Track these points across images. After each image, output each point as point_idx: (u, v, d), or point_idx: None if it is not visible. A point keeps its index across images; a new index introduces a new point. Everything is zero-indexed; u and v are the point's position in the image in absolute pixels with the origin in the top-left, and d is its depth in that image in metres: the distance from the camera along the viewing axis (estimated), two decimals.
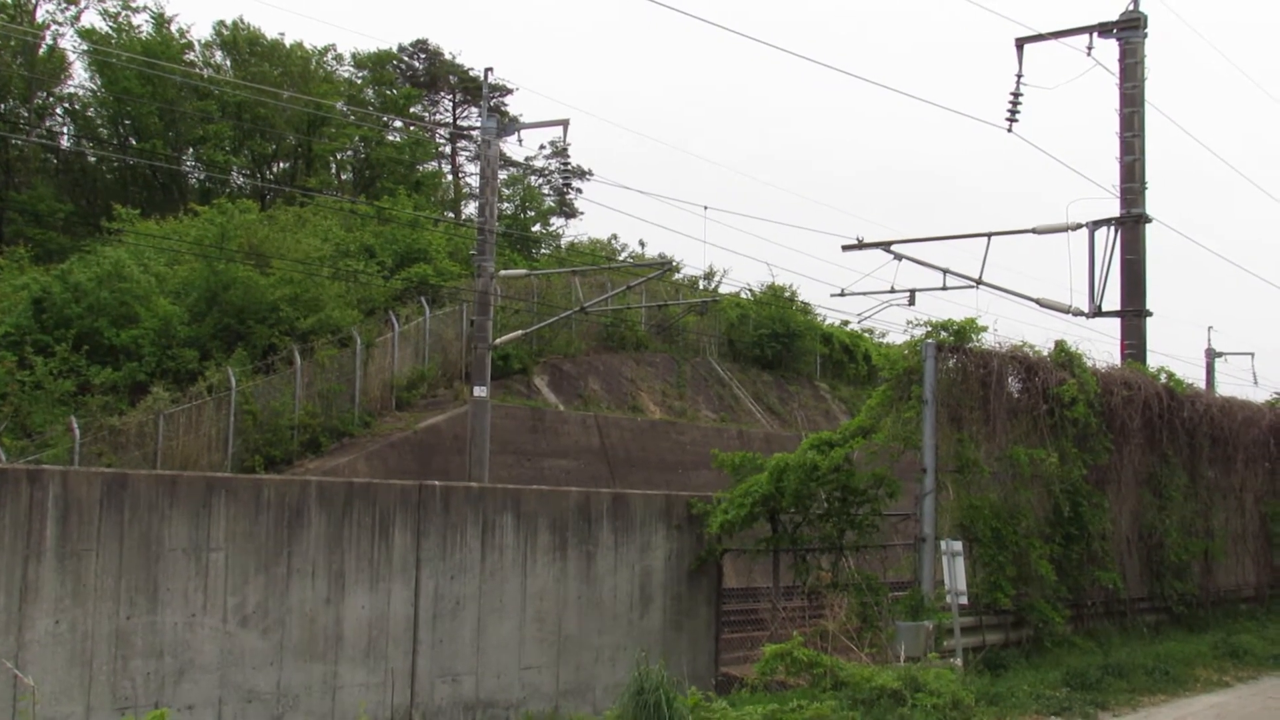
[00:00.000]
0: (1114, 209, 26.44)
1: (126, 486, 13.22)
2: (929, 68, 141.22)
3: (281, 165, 52.41)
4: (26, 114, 45.31)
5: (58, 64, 46.02)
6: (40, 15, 46.30)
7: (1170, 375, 23.46)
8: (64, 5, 46.48)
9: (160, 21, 48.55)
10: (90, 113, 47.68)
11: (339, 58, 56.17)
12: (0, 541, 12.21)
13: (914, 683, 14.25)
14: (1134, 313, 25.93)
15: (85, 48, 45.69)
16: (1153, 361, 25.64)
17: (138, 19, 48.56)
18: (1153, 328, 26.31)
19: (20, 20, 43.97)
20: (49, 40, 45.73)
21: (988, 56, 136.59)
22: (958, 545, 16.80)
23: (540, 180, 63.58)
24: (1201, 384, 41.24)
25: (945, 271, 28.58)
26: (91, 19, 47.69)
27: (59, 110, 47.84)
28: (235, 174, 48.09)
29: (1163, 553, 22.62)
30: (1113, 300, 26.36)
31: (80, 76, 47.46)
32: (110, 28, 47.42)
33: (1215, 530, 24.53)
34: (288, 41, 51.89)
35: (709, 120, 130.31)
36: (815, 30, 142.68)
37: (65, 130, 48.41)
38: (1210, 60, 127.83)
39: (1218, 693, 17.77)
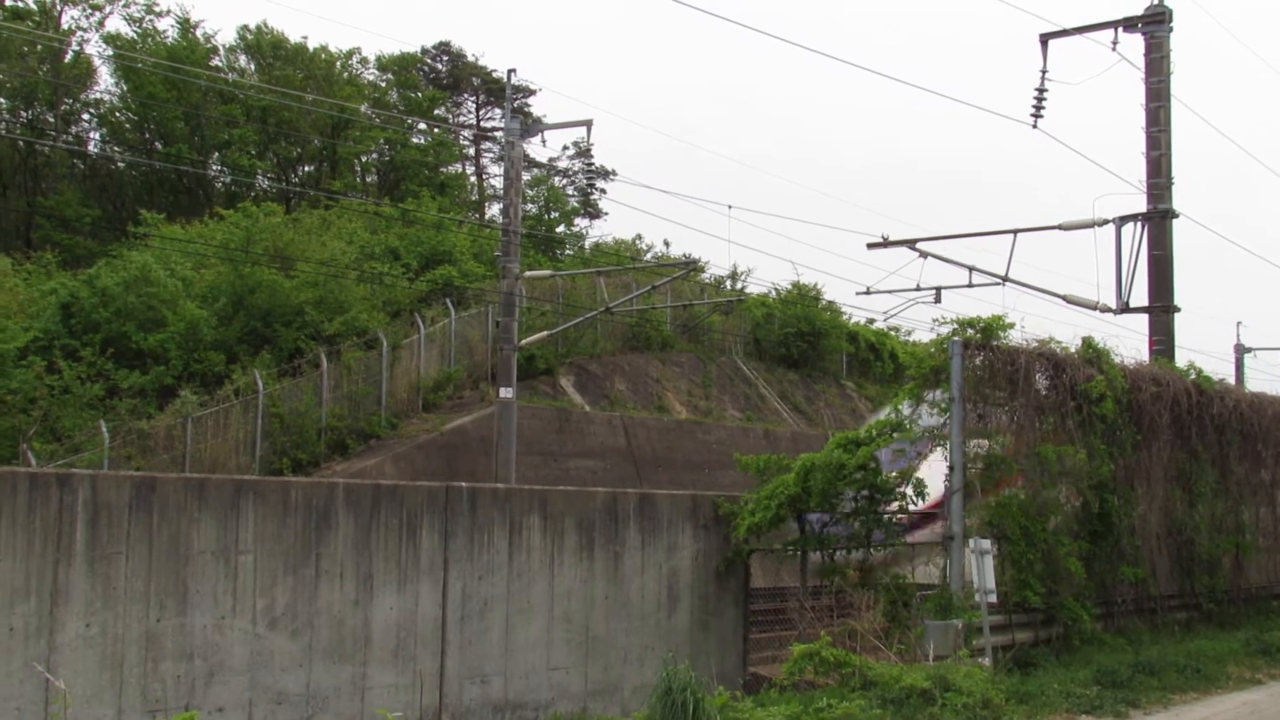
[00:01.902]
0: (1140, 204, 26.33)
1: (155, 490, 13.29)
2: (953, 64, 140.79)
3: (306, 168, 52.58)
4: (53, 119, 45.56)
5: (83, 70, 46.29)
6: (65, 21, 46.61)
7: (1199, 371, 23.33)
8: (88, 11, 46.76)
9: (185, 26, 48.78)
10: (116, 117, 47.93)
11: (363, 61, 56.29)
12: (31, 545, 12.28)
13: (943, 682, 14.21)
14: (1161, 309, 25.80)
15: (110, 53, 45.94)
16: (1181, 357, 25.50)
17: (162, 24, 48.83)
18: (1181, 324, 26.19)
19: (46, 27, 44.25)
20: (74, 46, 46.02)
21: (1012, 52, 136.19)
22: (986, 543, 16.76)
23: (564, 181, 63.68)
24: (1230, 379, 40.95)
25: (971, 269, 28.48)
26: (116, 24, 47.93)
27: (85, 116, 48.13)
28: (260, 177, 48.29)
29: (1193, 549, 22.49)
30: (1140, 296, 26.25)
31: (106, 82, 47.76)
32: (135, 33, 47.66)
33: (1246, 526, 24.38)
34: (311, 45, 52.06)
35: (731, 118, 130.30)
36: (836, 26, 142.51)
37: (92, 135, 48.71)
38: (1236, 53, 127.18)
39: (1250, 690, 17.68)
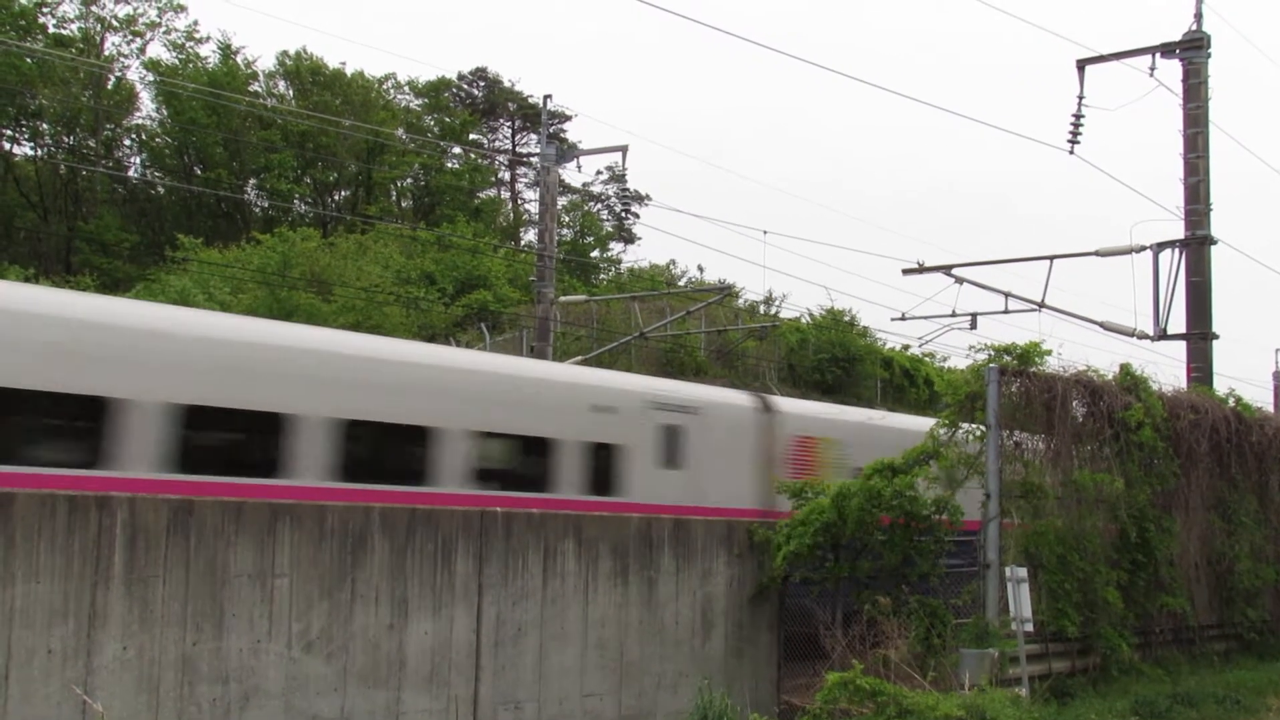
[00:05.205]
0: (1178, 231, 26.18)
1: (193, 513, 13.34)
2: (989, 90, 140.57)
3: (342, 193, 52.93)
4: (94, 145, 46.03)
5: (125, 96, 46.79)
6: (107, 48, 47.13)
7: (1238, 399, 23.14)
8: (130, 38, 47.28)
9: (227, 52, 49.25)
10: (156, 143, 48.38)
11: (398, 86, 56.72)
12: (69, 568, 12.35)
13: (979, 711, 14.10)
14: (1199, 335, 25.64)
15: (151, 79, 46.42)
16: (1219, 384, 25.33)
17: (203, 50, 49.31)
18: (1219, 350, 26.03)
19: (88, 53, 44.76)
20: (116, 72, 46.53)
21: (1048, 78, 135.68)
22: (1023, 571, 16.63)
23: (599, 205, 63.83)
24: (1269, 407, 40.66)
25: (1007, 295, 28.40)
26: (157, 50, 48.46)
27: (126, 141, 48.62)
28: (297, 202, 48.63)
29: (1232, 579, 22.25)
30: (1178, 323, 26.10)
31: (147, 108, 48.26)
32: (176, 59, 48.15)
33: None
34: (349, 71, 52.45)
35: (765, 143, 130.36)
36: (873, 53, 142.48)
37: (132, 161, 49.21)
38: (1275, 78, 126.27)
39: None
